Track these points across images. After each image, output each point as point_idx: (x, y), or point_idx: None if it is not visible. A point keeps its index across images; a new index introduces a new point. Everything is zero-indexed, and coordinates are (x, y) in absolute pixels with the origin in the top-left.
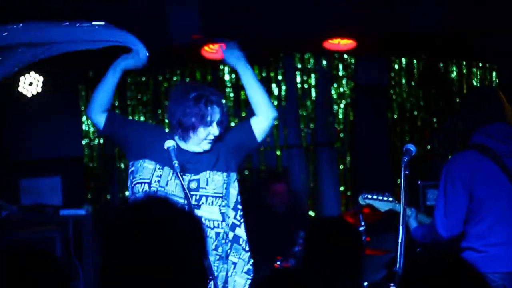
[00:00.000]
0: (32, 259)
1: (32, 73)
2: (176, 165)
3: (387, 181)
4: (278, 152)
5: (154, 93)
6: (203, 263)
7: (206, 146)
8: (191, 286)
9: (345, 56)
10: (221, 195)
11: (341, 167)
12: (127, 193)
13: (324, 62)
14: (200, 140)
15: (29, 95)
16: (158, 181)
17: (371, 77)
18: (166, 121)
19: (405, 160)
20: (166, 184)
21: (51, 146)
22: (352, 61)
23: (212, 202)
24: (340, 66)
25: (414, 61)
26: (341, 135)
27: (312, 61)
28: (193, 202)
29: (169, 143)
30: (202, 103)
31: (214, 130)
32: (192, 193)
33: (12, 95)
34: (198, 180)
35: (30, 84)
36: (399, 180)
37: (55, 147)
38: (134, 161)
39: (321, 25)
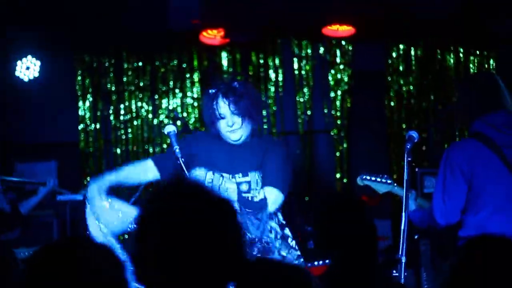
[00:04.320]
0: None
1: (29, 57)
2: (177, 150)
3: (384, 168)
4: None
5: (151, 78)
6: None
7: (232, 136)
8: None
9: (343, 42)
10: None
11: (337, 154)
12: None
13: (322, 49)
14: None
15: (26, 80)
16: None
17: (368, 63)
18: (163, 106)
19: (408, 146)
20: (218, 189)
21: (47, 131)
22: (350, 47)
23: None
24: (338, 53)
25: (412, 48)
26: (338, 122)
27: (309, 47)
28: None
29: (169, 128)
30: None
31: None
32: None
33: (9, 79)
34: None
35: (27, 68)
36: (395, 167)
37: (51, 132)
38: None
39: (319, 11)
